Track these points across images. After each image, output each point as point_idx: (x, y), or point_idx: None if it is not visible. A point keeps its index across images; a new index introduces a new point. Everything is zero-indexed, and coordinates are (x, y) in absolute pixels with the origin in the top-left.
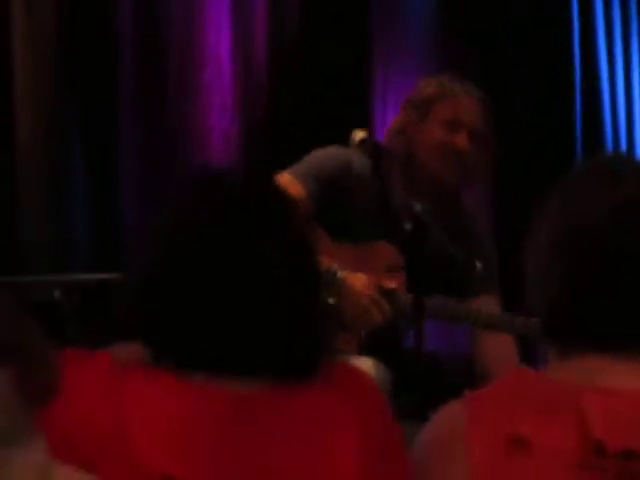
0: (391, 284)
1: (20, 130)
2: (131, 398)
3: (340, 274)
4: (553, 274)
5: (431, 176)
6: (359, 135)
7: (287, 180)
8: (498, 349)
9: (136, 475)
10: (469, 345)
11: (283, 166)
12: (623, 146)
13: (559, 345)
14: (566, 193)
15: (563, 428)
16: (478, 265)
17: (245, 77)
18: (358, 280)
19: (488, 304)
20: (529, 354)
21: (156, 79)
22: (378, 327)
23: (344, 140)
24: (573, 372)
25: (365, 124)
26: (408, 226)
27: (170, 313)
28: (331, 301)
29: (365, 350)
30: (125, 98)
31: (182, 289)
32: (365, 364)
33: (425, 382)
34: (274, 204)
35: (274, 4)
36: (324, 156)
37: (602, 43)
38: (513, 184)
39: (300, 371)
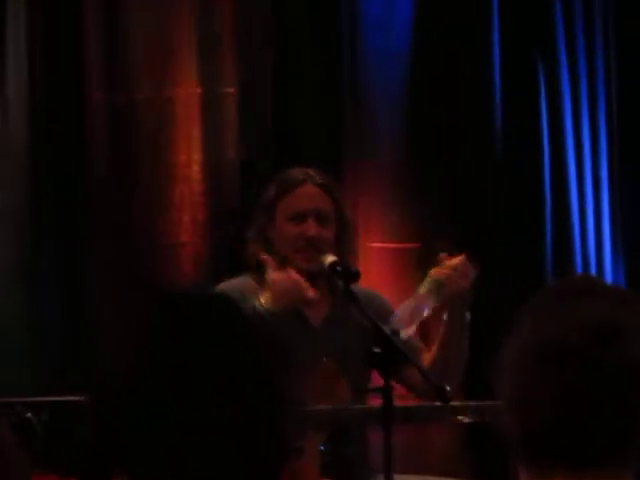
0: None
1: None
2: None
3: (262, 299)
4: (527, 394)
5: (303, 269)
6: (329, 259)
7: None
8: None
9: None
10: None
11: None
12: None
13: (532, 466)
14: (539, 311)
15: None
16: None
17: (216, 194)
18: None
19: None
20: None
21: (126, 197)
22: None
23: None
24: None
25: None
26: (377, 350)
27: (131, 430)
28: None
29: (330, 474)
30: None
31: (143, 408)
32: None
33: None
34: (234, 320)
35: (245, 121)
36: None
37: (573, 172)
38: (482, 318)
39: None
